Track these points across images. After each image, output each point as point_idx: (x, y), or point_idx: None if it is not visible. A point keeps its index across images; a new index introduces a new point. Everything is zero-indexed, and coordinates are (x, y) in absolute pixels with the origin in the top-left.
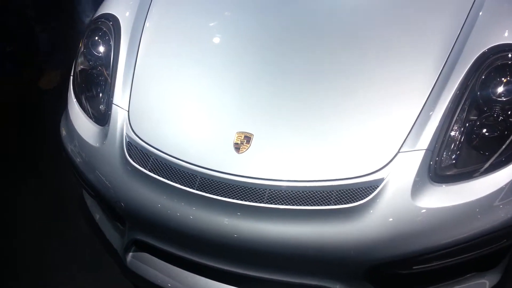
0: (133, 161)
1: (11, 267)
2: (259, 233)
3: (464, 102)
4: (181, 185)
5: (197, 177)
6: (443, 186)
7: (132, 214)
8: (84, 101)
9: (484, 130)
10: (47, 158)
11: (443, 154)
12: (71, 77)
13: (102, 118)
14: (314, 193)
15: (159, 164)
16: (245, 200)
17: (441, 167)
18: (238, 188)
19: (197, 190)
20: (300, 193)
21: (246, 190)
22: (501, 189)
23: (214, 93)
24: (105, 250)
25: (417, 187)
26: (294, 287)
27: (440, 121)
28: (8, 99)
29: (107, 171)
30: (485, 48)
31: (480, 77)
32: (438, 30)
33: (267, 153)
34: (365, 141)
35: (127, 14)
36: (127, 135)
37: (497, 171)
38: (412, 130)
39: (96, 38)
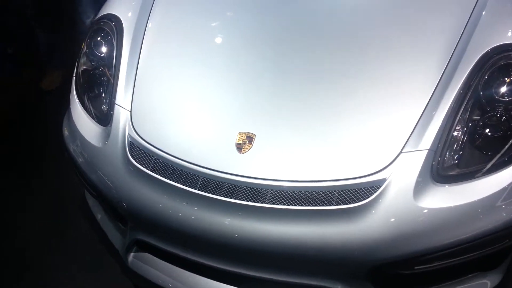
0: (135, 161)
1: (12, 267)
2: (261, 233)
3: (467, 102)
4: (183, 185)
5: (199, 177)
6: (446, 186)
7: (134, 214)
8: (87, 102)
9: (487, 130)
10: (48, 158)
11: (445, 154)
12: (74, 77)
13: (104, 118)
14: (316, 193)
15: (161, 164)
16: (247, 201)
17: (444, 167)
18: (240, 188)
19: (199, 190)
20: (302, 193)
21: (248, 190)
22: (504, 189)
23: (216, 93)
24: (106, 250)
25: (419, 187)
26: (295, 287)
27: (443, 121)
28: (9, 99)
29: (109, 171)
30: (488, 48)
31: (483, 77)
32: (441, 29)
33: (269, 153)
34: (367, 141)
35: (130, 14)
36: (129, 135)
37: (500, 171)
38: (415, 130)
39: (99, 38)
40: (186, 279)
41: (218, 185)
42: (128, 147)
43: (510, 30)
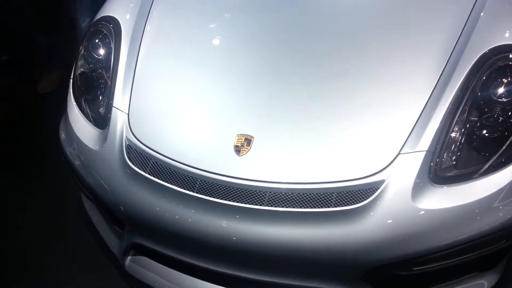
0: (133, 164)
1: (12, 267)
2: (259, 236)
3: (465, 103)
4: (181, 188)
5: (197, 180)
6: (444, 187)
7: (132, 218)
8: (84, 104)
9: (485, 131)
10: (48, 158)
11: (443, 155)
12: (71, 80)
13: (101, 121)
14: (314, 195)
15: (159, 167)
16: (245, 203)
17: (442, 169)
18: (238, 190)
19: (197, 193)
20: (301, 196)
21: (247, 192)
22: (501, 190)
23: (214, 95)
24: (103, 253)
25: (417, 189)
26: None
27: (440, 122)
28: (9, 99)
29: (107, 174)
30: (486, 49)
31: (481, 78)
32: (439, 30)
33: (267, 155)
34: (366, 143)
35: (128, 16)
36: (127, 138)
37: (497, 172)
38: (413, 131)
39: (97, 40)
40: (183, 282)
41: (216, 188)
42: (125, 149)
43: (508, 31)
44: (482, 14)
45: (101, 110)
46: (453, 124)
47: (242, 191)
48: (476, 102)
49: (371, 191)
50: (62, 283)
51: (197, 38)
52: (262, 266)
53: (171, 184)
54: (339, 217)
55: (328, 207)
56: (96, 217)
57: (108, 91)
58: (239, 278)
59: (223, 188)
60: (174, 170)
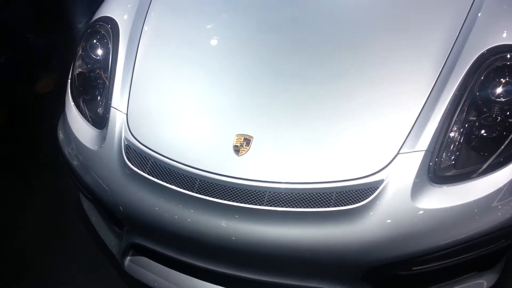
0: (132, 164)
1: (12, 267)
2: (259, 236)
3: (464, 103)
4: (180, 188)
5: (197, 180)
6: (443, 187)
7: (131, 218)
8: (82, 104)
9: (483, 131)
10: (48, 158)
11: (442, 155)
12: (69, 80)
13: (100, 121)
14: (313, 195)
15: (158, 167)
16: (245, 203)
17: (441, 168)
18: (238, 190)
19: (196, 193)
20: (300, 195)
21: (246, 192)
22: (500, 189)
23: (213, 95)
24: (102, 253)
25: (416, 188)
26: None
27: (439, 122)
28: (9, 99)
29: (105, 174)
30: (484, 49)
31: (479, 78)
32: (437, 31)
33: (267, 155)
34: (365, 143)
35: (125, 17)
36: (126, 138)
37: (496, 172)
38: (412, 131)
39: (94, 41)
40: (182, 282)
41: (216, 188)
42: (124, 150)
43: (505, 31)
44: (479, 14)
45: (100, 110)
46: (451, 124)
47: (242, 191)
48: (474, 102)
49: (370, 191)
50: (62, 283)
51: (195, 38)
52: (261, 266)
53: (170, 184)
54: (338, 217)
55: (328, 207)
56: (94, 217)
57: (106, 91)
58: (239, 278)
59: (222, 188)
60: (173, 170)
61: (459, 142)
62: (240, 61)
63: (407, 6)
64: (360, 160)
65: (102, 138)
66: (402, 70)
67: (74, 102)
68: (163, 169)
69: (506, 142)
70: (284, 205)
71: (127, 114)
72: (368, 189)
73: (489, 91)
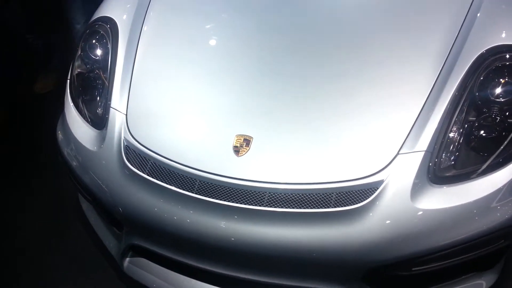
0: (131, 165)
1: (11, 267)
2: (259, 237)
3: (463, 103)
4: (180, 189)
5: (196, 181)
6: (442, 187)
7: (130, 219)
8: (81, 105)
9: (483, 131)
10: (48, 158)
11: (442, 155)
12: (68, 80)
13: (99, 121)
14: (314, 195)
15: (158, 168)
16: (245, 204)
17: (440, 169)
18: (238, 191)
19: (196, 193)
20: (300, 196)
21: (246, 193)
22: (499, 190)
23: (212, 96)
24: (101, 254)
25: (416, 189)
26: None
27: (439, 123)
28: (9, 99)
29: (105, 175)
30: (483, 49)
31: (479, 78)
32: (436, 31)
33: (266, 156)
34: (364, 143)
35: (125, 17)
36: (125, 139)
37: (495, 172)
38: (411, 131)
39: (94, 41)
40: (181, 283)
41: (216, 188)
42: (124, 150)
43: (504, 31)
44: (478, 14)
45: (99, 110)
46: (451, 124)
47: (242, 192)
48: (474, 102)
49: (370, 192)
50: (62, 283)
51: (195, 39)
52: (261, 267)
53: (170, 185)
54: (338, 218)
55: (328, 207)
56: (93, 218)
57: (105, 91)
58: (238, 279)
59: (222, 188)
60: (173, 171)
61: (458, 142)
62: (239, 61)
63: (407, 6)
64: (360, 161)
65: (102, 139)
66: (402, 70)
67: (73, 103)
68: (162, 169)
69: (506, 142)
70: (284, 205)
71: (126, 115)
72: (368, 189)
73: (489, 91)
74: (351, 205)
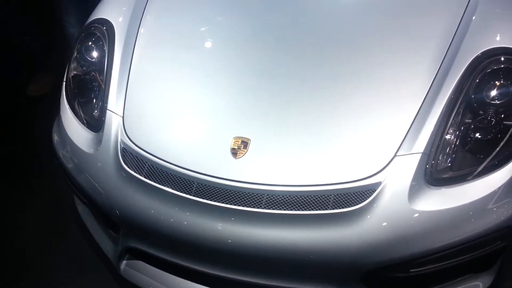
0: (128, 167)
1: (12, 267)
2: (257, 239)
3: (459, 106)
4: (178, 191)
5: (194, 183)
6: (439, 189)
7: (128, 221)
8: (77, 107)
9: (478, 133)
10: (47, 158)
11: (438, 157)
12: (64, 82)
13: (95, 124)
14: (312, 197)
15: (155, 170)
16: (243, 206)
17: (437, 170)
18: (236, 193)
19: (194, 196)
20: (298, 198)
21: (244, 195)
22: (495, 192)
23: (210, 98)
24: (97, 257)
25: (413, 191)
26: None
27: (435, 125)
28: (9, 99)
29: (101, 177)
30: (478, 52)
31: (475, 81)
32: (432, 35)
33: (264, 158)
34: (362, 145)
35: (121, 19)
36: (122, 141)
37: (491, 174)
38: (408, 133)
39: (90, 43)
40: (178, 285)
41: (214, 191)
42: (120, 153)
43: (499, 34)
44: (474, 18)
45: (95, 113)
46: (447, 127)
47: (240, 194)
48: (470, 104)
49: (368, 193)
50: (62, 283)
51: (192, 41)
52: (258, 269)
53: (168, 187)
54: (336, 219)
55: (326, 209)
56: (89, 221)
57: (102, 94)
58: (236, 281)
59: (220, 191)
60: (170, 173)
61: (455, 144)
62: (237, 63)
63: (403, 9)
64: (357, 163)
65: (98, 141)
66: (398, 73)
67: (69, 105)
68: (160, 172)
69: (501, 144)
70: (282, 207)
71: (123, 117)
72: (366, 191)
73: (484, 93)
74: (349, 207)
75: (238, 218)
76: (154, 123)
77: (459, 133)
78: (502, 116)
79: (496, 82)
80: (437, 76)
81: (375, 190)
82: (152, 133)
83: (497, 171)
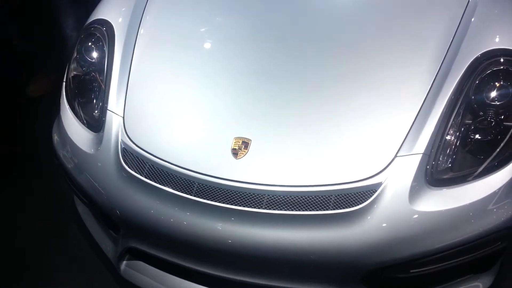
0: (129, 167)
1: (12, 267)
2: (257, 239)
3: (459, 107)
4: (179, 191)
5: (195, 183)
6: (440, 189)
7: (128, 222)
8: (77, 107)
9: (479, 134)
10: (48, 158)
11: (439, 158)
12: (64, 83)
13: (96, 124)
14: (313, 198)
15: (156, 170)
16: (244, 206)
17: (438, 171)
18: (237, 193)
19: (194, 196)
20: (299, 198)
21: (245, 195)
22: (495, 193)
23: (210, 98)
24: (97, 257)
25: (414, 191)
26: None
27: (436, 126)
28: (9, 99)
29: (102, 178)
30: (478, 53)
31: (474, 82)
32: (432, 36)
33: (265, 158)
34: (363, 146)
35: (120, 20)
36: (122, 141)
37: (491, 175)
38: (409, 134)
39: (90, 44)
40: (179, 286)
41: (214, 191)
42: (121, 153)
43: (498, 36)
44: (473, 19)
45: (95, 113)
46: (448, 127)
47: (240, 194)
48: (470, 105)
49: (369, 194)
50: (62, 283)
51: (191, 41)
52: (259, 269)
53: (169, 187)
54: (337, 220)
55: (327, 209)
56: (89, 221)
57: (102, 94)
58: (236, 281)
59: (221, 191)
60: (171, 173)
61: (455, 145)
62: (237, 63)
63: (403, 10)
64: (358, 163)
65: (98, 141)
66: (398, 74)
67: (69, 105)
68: (160, 172)
69: (501, 145)
70: (283, 208)
71: (123, 117)
72: (367, 192)
73: (484, 94)
74: (350, 207)
75: (239, 218)
76: (154, 123)
77: (459, 134)
78: (502, 117)
79: (496, 83)
80: (437, 77)
81: (376, 191)
82: (152, 133)
83: (497, 172)
